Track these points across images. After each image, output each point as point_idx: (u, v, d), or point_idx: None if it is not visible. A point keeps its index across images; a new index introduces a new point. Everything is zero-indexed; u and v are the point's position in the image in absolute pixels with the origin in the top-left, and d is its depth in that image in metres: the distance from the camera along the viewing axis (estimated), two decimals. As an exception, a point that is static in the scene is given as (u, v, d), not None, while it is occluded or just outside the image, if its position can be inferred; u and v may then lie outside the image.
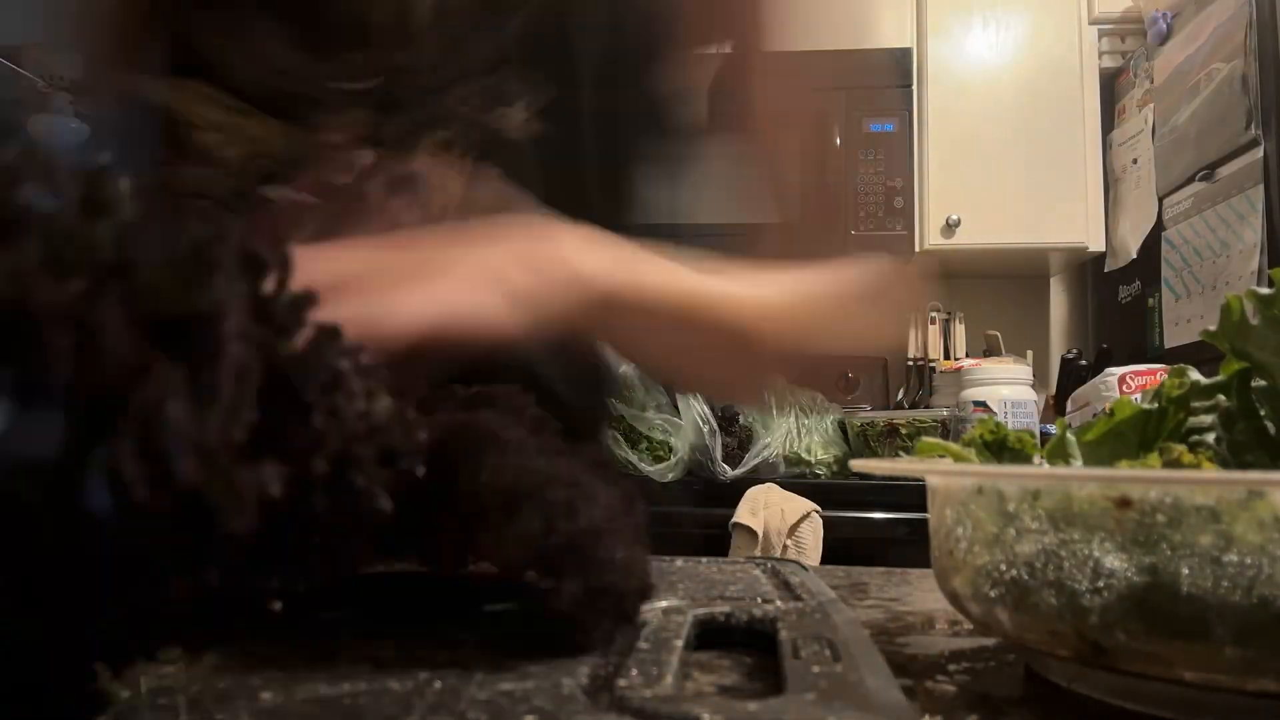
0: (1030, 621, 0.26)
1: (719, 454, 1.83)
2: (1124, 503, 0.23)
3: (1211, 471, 0.30)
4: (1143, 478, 0.24)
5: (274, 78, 0.57)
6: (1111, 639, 0.24)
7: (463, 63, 0.58)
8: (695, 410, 1.82)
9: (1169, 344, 1.99)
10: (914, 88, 2.22)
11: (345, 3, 0.56)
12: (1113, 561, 0.23)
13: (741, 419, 1.94)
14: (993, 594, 0.27)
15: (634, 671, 0.24)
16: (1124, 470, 0.30)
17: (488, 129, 0.59)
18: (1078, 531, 0.24)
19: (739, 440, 1.91)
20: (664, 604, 0.34)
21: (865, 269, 0.51)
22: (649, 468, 1.84)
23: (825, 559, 1.61)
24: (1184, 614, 0.22)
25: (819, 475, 1.93)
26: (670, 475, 1.83)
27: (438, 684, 0.24)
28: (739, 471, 1.84)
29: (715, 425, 1.83)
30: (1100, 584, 0.24)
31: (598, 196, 0.66)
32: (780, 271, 0.48)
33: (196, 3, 0.58)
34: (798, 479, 1.91)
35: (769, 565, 0.47)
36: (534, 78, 0.60)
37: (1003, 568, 0.26)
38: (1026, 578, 0.26)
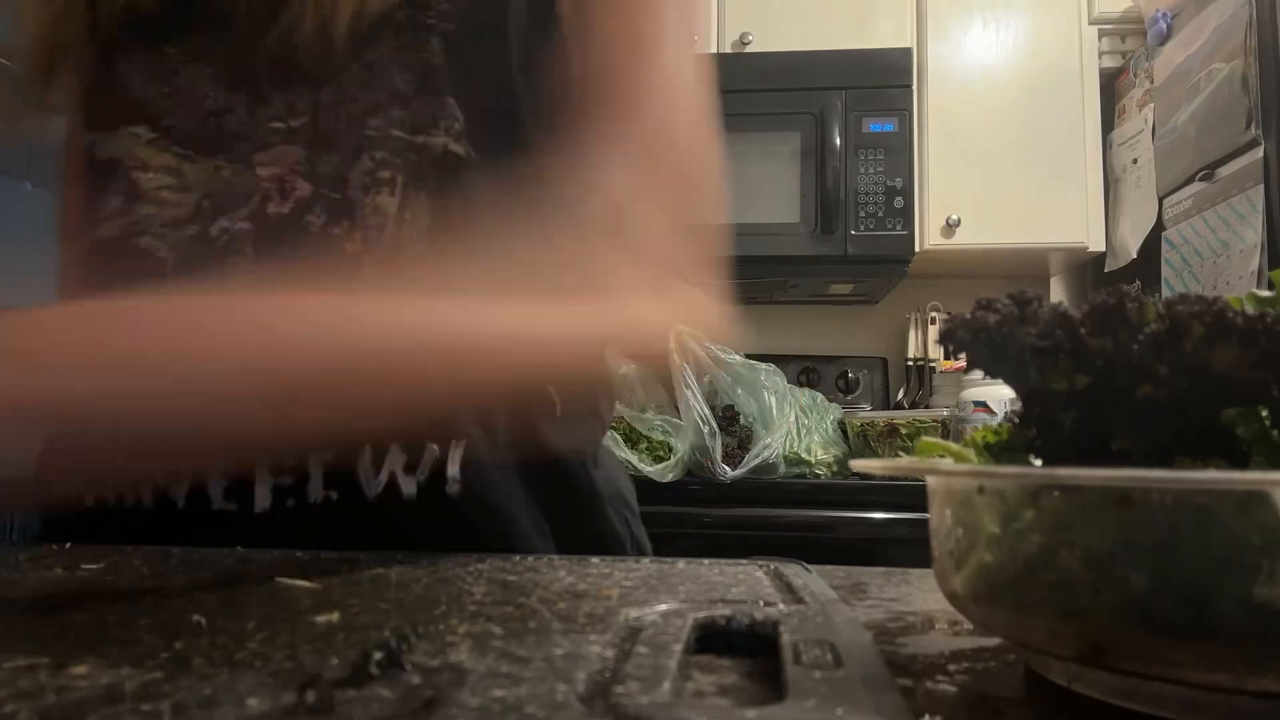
0: (1030, 621, 0.26)
1: (719, 454, 1.82)
2: (1124, 503, 0.23)
3: (1211, 471, 0.30)
4: (1143, 478, 0.24)
5: (211, 121, 0.60)
6: (1111, 639, 0.23)
7: (385, 88, 0.60)
8: (695, 410, 1.82)
9: (1169, 343, 1.98)
10: (914, 88, 2.22)
11: (275, 41, 0.58)
12: (1113, 561, 0.23)
13: (742, 419, 1.93)
14: (993, 594, 0.27)
15: (631, 677, 0.24)
16: (1124, 470, 0.30)
17: (416, 151, 0.60)
18: (1078, 531, 0.24)
19: (739, 440, 1.90)
20: (664, 607, 0.34)
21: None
22: (649, 468, 1.83)
23: (826, 559, 1.61)
24: (1184, 614, 0.22)
25: (819, 475, 1.93)
26: (670, 475, 1.82)
27: (429, 691, 0.24)
28: (739, 472, 1.83)
29: (715, 426, 1.83)
30: (1100, 584, 0.23)
31: (526, 211, 0.66)
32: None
33: (131, 49, 0.60)
34: (798, 479, 1.90)
35: (771, 567, 0.47)
36: (461, 95, 0.61)
37: (1003, 568, 0.26)
38: (1026, 578, 0.25)
